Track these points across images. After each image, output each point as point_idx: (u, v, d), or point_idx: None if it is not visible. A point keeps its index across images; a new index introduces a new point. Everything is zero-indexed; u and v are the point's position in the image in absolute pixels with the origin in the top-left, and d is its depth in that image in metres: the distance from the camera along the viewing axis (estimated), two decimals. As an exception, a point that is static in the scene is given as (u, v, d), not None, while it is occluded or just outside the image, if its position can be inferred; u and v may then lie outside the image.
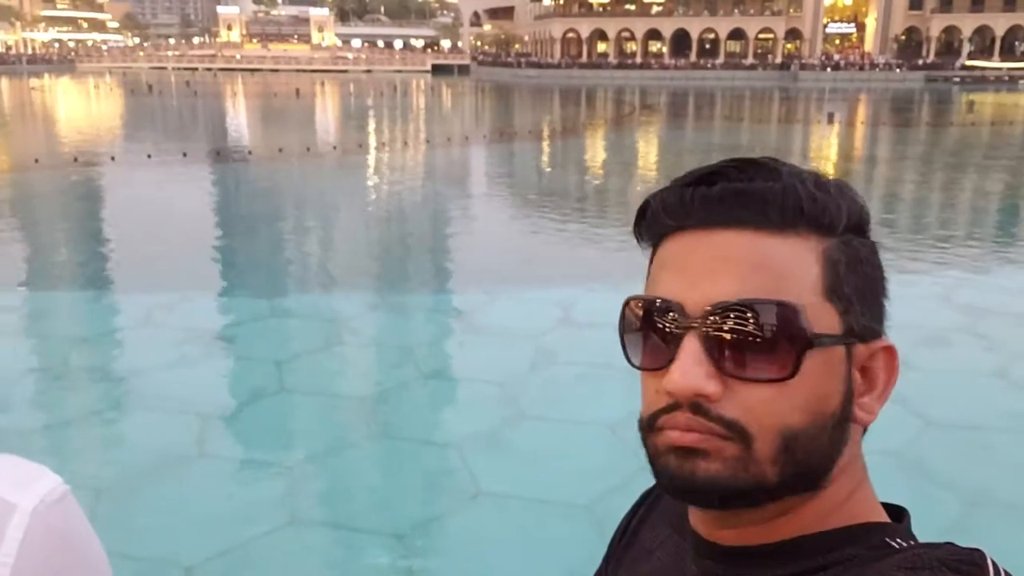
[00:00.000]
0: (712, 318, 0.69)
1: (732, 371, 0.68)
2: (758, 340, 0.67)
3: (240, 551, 4.60)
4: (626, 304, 0.76)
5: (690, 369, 0.68)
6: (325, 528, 5.00)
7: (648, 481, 0.97)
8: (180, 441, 5.89)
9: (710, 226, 0.71)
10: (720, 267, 0.70)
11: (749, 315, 0.68)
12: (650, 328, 0.73)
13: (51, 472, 0.86)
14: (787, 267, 0.69)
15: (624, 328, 0.76)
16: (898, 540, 0.72)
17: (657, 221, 0.76)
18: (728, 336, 0.68)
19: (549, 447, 5.91)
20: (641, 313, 0.74)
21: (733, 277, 0.69)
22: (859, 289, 0.72)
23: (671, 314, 0.71)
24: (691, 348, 0.69)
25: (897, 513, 0.78)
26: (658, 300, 0.73)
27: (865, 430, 0.77)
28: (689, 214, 0.73)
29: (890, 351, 0.74)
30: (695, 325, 0.69)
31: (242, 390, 7.00)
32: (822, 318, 0.69)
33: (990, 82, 78.51)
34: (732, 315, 0.68)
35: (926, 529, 0.77)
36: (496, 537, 4.85)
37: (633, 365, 0.76)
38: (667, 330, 0.71)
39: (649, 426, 0.73)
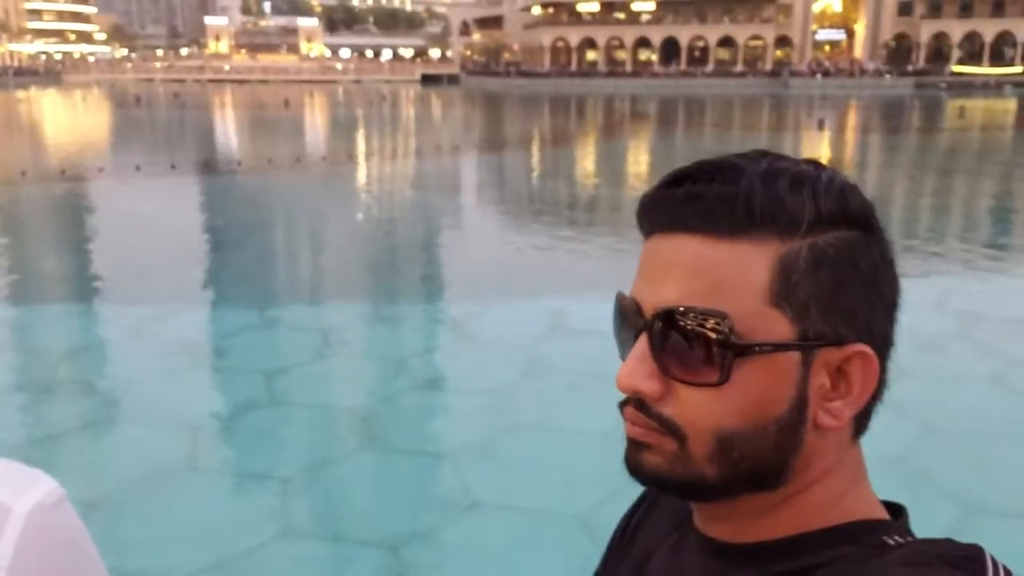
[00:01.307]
0: (656, 321, 0.71)
1: (671, 373, 0.71)
2: (690, 346, 0.69)
3: (232, 564, 4.56)
4: (616, 300, 0.79)
5: (633, 368, 0.72)
6: (317, 540, 4.96)
7: (638, 485, 0.96)
8: (171, 454, 5.85)
9: (669, 230, 0.73)
10: (668, 272, 0.72)
11: (681, 321, 0.69)
12: (623, 324, 0.75)
13: (47, 476, 0.85)
14: (728, 274, 0.69)
15: (613, 323, 0.79)
16: (896, 537, 0.72)
17: (638, 221, 0.78)
18: (668, 340, 0.70)
19: (542, 457, 5.88)
20: (617, 310, 0.77)
21: (676, 283, 0.70)
22: (821, 293, 0.69)
23: (632, 313, 0.74)
24: (639, 348, 0.72)
25: (895, 510, 0.78)
26: (623, 298, 0.76)
27: (861, 432, 0.76)
28: (654, 218, 0.75)
29: (864, 356, 0.71)
30: (645, 326, 0.72)
31: (233, 402, 6.95)
32: (764, 325, 0.69)
33: (976, 87, 79.24)
34: (669, 320, 0.70)
35: (923, 535, 0.76)
36: (490, 548, 4.82)
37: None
38: (631, 328, 0.74)
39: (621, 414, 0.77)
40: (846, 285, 0.70)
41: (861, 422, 0.75)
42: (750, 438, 0.70)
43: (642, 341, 0.72)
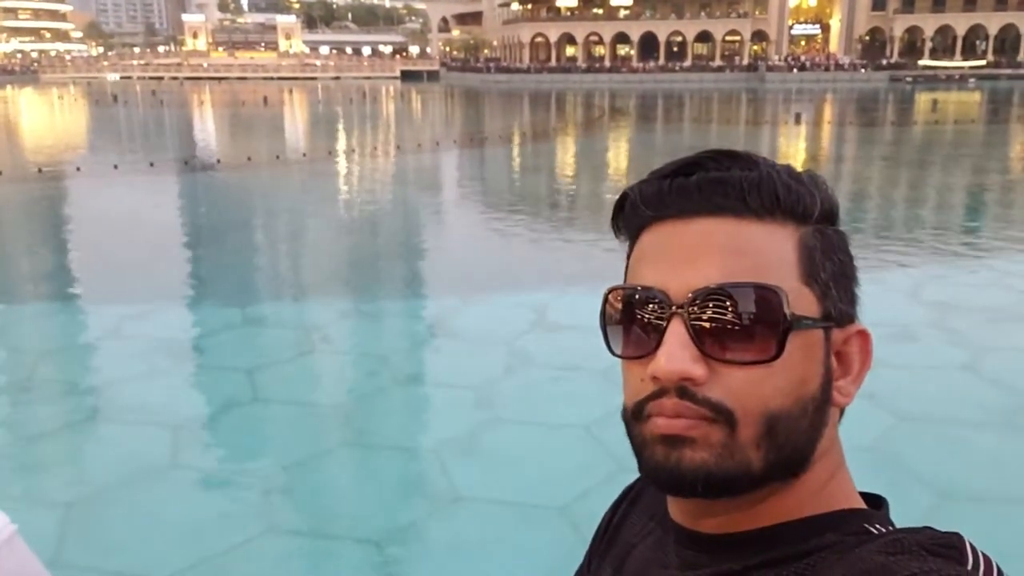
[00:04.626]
0: (696, 303, 0.70)
1: (717, 354, 0.69)
2: (742, 323, 0.69)
3: (216, 562, 4.55)
4: (607, 295, 0.77)
5: (676, 353, 0.69)
6: (302, 537, 4.97)
7: (627, 479, 0.98)
8: (152, 452, 5.83)
9: (689, 215, 0.73)
10: (701, 253, 0.71)
11: (732, 299, 0.69)
12: (632, 317, 0.74)
13: None
14: (767, 252, 0.71)
15: (606, 319, 0.77)
16: (877, 526, 0.73)
17: (636, 213, 0.77)
18: (712, 320, 0.69)
19: (525, 450, 5.91)
20: (623, 303, 0.75)
21: (715, 263, 0.70)
22: (834, 275, 0.74)
23: (655, 301, 0.72)
24: (677, 332, 0.70)
25: (875, 502, 0.79)
26: (640, 288, 0.74)
27: (841, 415, 0.78)
28: (668, 204, 0.74)
29: (864, 335, 0.77)
30: (679, 311, 0.70)
31: (215, 400, 6.93)
32: (801, 302, 0.71)
33: (941, 81, 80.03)
34: (715, 300, 0.69)
35: (899, 522, 0.78)
36: (474, 541, 4.84)
37: (615, 354, 0.77)
38: (650, 318, 0.72)
39: (635, 415, 0.74)
40: (847, 270, 0.76)
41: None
42: (794, 417, 0.70)
43: (678, 326, 0.70)
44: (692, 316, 0.70)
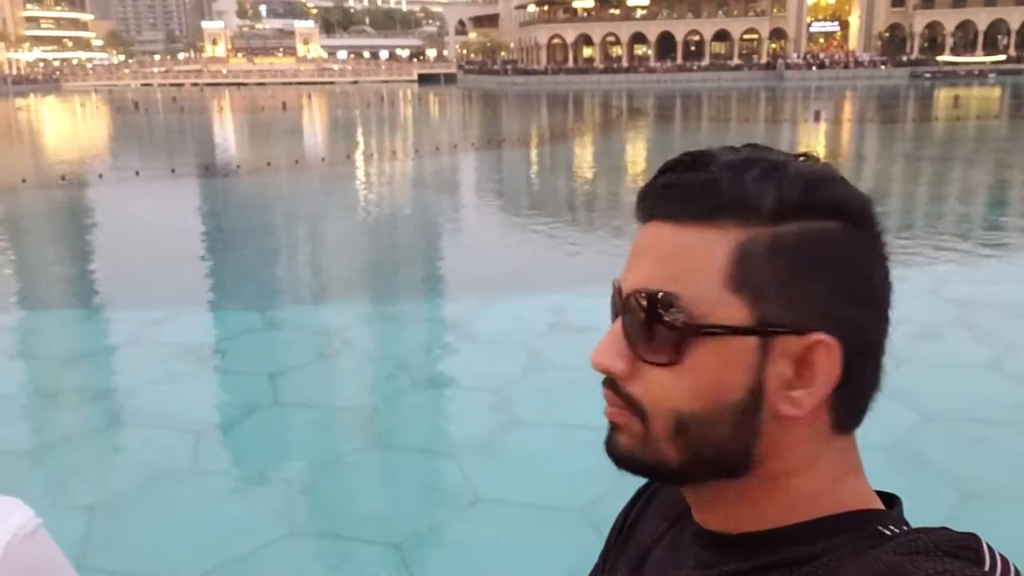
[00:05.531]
0: (626, 304, 0.74)
1: (638, 353, 0.73)
2: (649, 326, 0.72)
3: (237, 565, 4.58)
4: None
5: (603, 347, 0.75)
6: (323, 539, 4.99)
7: (639, 479, 0.98)
8: (174, 457, 5.86)
9: (646, 219, 0.76)
10: (640, 257, 0.75)
11: (639, 304, 0.72)
12: (611, 309, 0.79)
13: (24, 505, 0.85)
14: (691, 259, 0.71)
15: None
16: (890, 527, 0.71)
17: (635, 212, 0.81)
18: (633, 321, 0.73)
19: (544, 452, 5.91)
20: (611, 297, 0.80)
21: (644, 267, 0.74)
22: (780, 281, 0.70)
23: (613, 298, 0.78)
24: (614, 329, 0.76)
25: (889, 500, 0.77)
26: (613, 285, 0.79)
27: (849, 424, 0.75)
28: (640, 207, 0.78)
29: (826, 346, 0.70)
30: (620, 309, 0.76)
31: (236, 404, 6.97)
32: (720, 310, 0.70)
33: (961, 77, 79.34)
34: (633, 302, 0.73)
35: (923, 522, 0.76)
36: (494, 543, 4.84)
37: None
38: (614, 312, 0.78)
39: None
40: (809, 274, 0.70)
41: (845, 414, 0.74)
42: (706, 422, 0.71)
43: (617, 322, 0.75)
44: (624, 315, 0.75)
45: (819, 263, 0.70)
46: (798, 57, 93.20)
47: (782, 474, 0.74)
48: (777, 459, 0.73)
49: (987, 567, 0.65)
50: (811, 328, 0.70)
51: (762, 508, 0.75)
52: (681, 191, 0.73)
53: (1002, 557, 0.66)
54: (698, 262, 0.71)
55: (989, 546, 0.67)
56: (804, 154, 0.75)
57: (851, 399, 0.73)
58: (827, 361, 0.70)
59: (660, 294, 0.71)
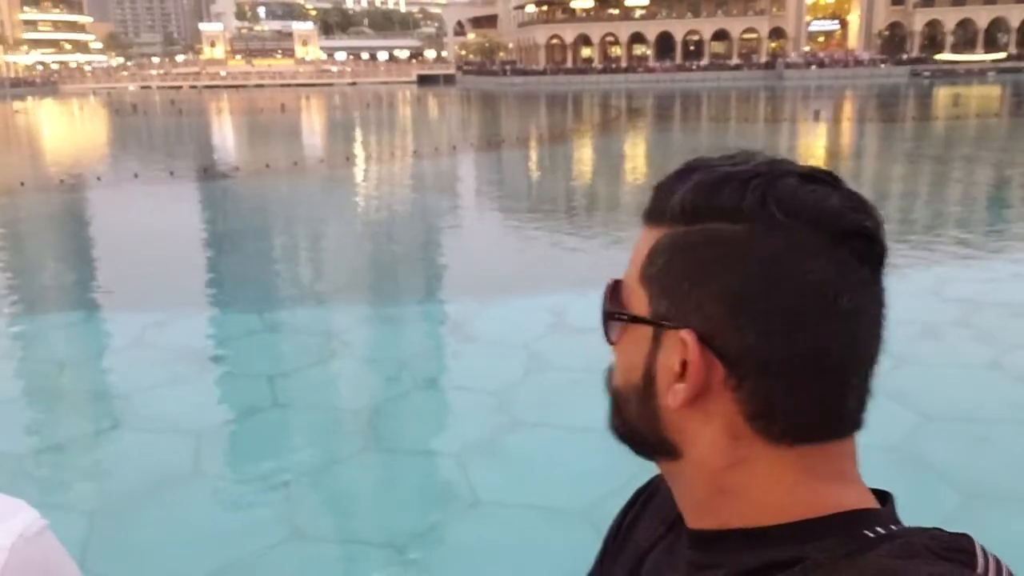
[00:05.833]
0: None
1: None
2: (603, 311, 0.81)
3: (239, 567, 4.58)
4: None
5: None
6: (324, 542, 4.99)
7: (641, 481, 0.98)
8: (176, 459, 5.86)
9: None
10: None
11: (607, 291, 0.81)
12: None
13: (29, 507, 0.85)
14: (636, 254, 0.78)
15: None
16: (878, 529, 0.70)
17: None
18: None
19: (545, 453, 5.90)
20: None
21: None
22: (675, 276, 0.73)
23: None
24: None
25: (881, 497, 0.75)
26: None
27: (809, 433, 0.72)
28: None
29: (691, 344, 0.70)
30: None
31: (237, 406, 6.97)
32: (632, 298, 0.77)
33: (960, 75, 79.36)
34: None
35: (923, 522, 0.76)
36: (495, 545, 4.84)
37: None
38: None
39: None
40: (691, 274, 0.72)
41: (786, 423, 0.71)
42: (625, 399, 0.79)
43: None
44: None
45: (704, 264, 0.71)
46: (798, 56, 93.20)
47: (716, 470, 0.73)
48: (691, 448, 0.75)
49: (980, 569, 0.65)
50: (687, 325, 0.71)
51: (716, 505, 0.74)
52: (653, 196, 0.79)
53: (995, 558, 0.66)
54: (637, 257, 0.78)
55: (983, 548, 0.67)
56: (785, 160, 0.75)
57: (791, 409, 0.70)
58: (696, 360, 0.71)
59: (612, 283, 0.80)
